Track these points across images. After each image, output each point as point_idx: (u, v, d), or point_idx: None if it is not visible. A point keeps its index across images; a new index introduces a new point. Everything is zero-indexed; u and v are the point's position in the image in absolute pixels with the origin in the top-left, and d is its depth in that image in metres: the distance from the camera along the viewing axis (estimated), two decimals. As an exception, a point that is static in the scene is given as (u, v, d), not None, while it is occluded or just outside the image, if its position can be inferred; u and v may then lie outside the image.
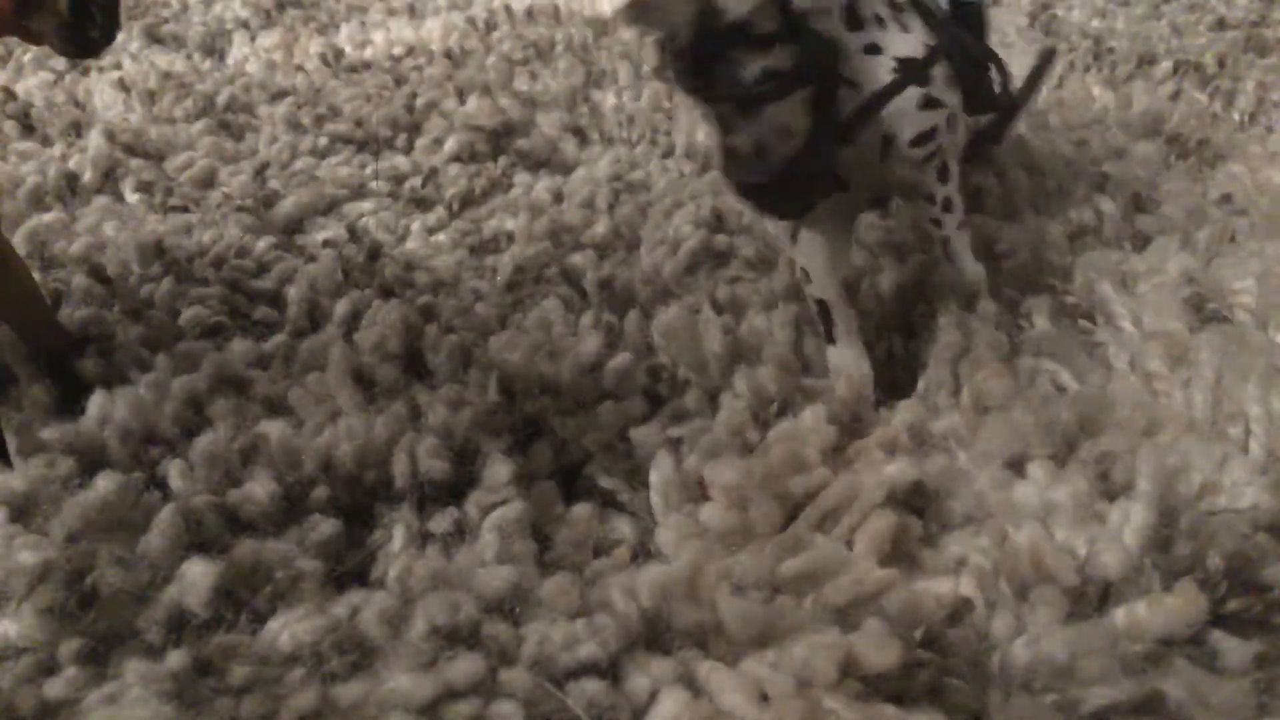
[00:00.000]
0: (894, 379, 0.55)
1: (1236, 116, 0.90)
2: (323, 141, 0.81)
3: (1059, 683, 0.37)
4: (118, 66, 0.97)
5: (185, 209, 0.70)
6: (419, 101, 0.89)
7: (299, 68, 0.99)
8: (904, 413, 0.51)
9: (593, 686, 0.37)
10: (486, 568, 0.42)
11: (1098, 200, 0.71)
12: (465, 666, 0.37)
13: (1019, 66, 1.02)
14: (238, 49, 1.05)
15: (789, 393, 0.51)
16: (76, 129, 0.81)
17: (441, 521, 0.45)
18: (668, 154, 0.83)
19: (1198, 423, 0.50)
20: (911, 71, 0.48)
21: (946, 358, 0.54)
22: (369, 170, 0.78)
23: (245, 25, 1.12)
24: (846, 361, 0.52)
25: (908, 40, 0.49)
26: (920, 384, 0.54)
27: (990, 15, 1.20)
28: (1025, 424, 0.48)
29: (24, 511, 0.43)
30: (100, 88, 0.90)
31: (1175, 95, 0.94)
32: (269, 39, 1.06)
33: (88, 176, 0.72)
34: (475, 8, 1.20)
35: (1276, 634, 0.40)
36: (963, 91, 0.53)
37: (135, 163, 0.75)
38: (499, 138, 0.84)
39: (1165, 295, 0.58)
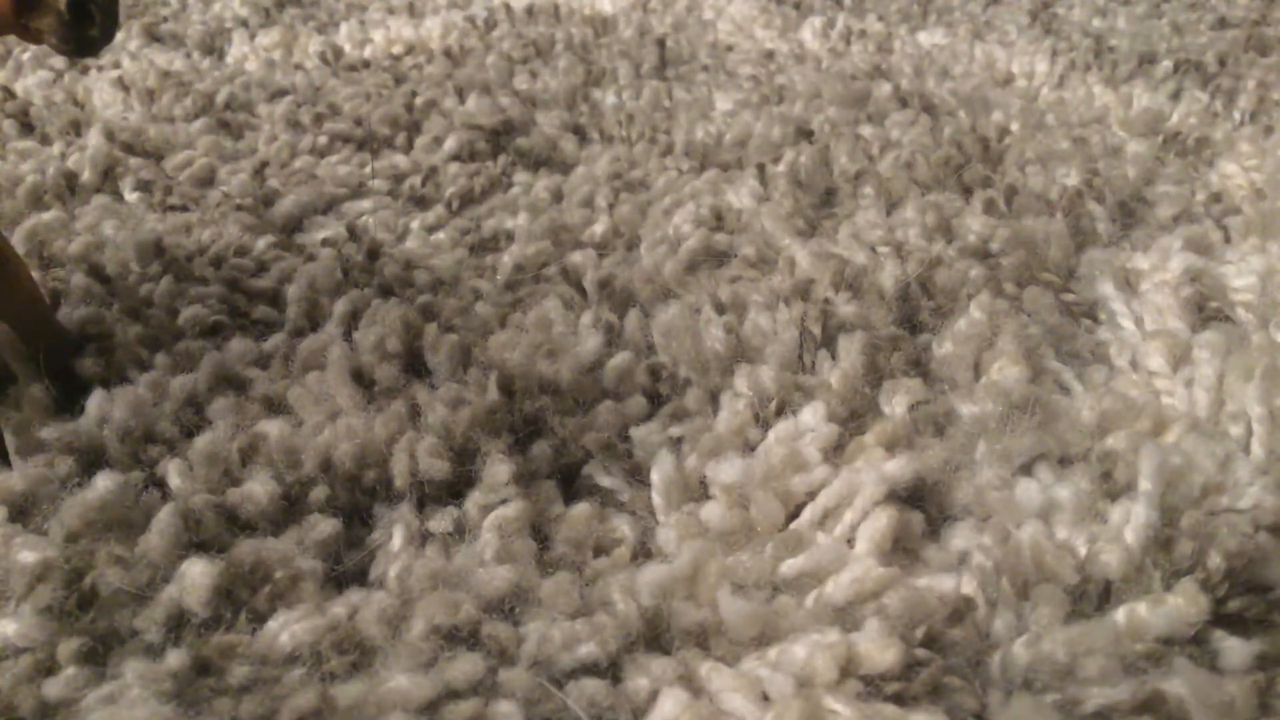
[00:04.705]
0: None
1: (1237, 115, 0.90)
2: (322, 140, 0.81)
3: (1060, 682, 0.37)
4: (117, 65, 0.97)
5: (184, 208, 0.70)
6: (418, 100, 0.88)
7: (298, 66, 0.99)
8: (905, 393, 0.51)
9: (593, 686, 0.37)
10: (486, 567, 0.42)
11: (1090, 200, 0.71)
12: (465, 666, 0.37)
13: (1020, 65, 1.03)
14: (237, 47, 1.05)
15: (789, 391, 0.51)
16: (75, 128, 0.81)
17: (441, 521, 0.45)
18: (667, 152, 0.83)
19: (1200, 422, 0.50)
20: None
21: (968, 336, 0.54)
22: (368, 169, 0.77)
23: (244, 24, 1.12)
24: None
25: None
26: (935, 353, 0.54)
27: (991, 13, 1.21)
28: (1042, 424, 0.48)
29: (23, 511, 0.43)
30: (99, 86, 0.90)
31: (1176, 94, 0.94)
32: (268, 37, 1.06)
33: (87, 175, 0.72)
34: (475, 6, 1.19)
35: (1277, 634, 0.40)
36: None
37: (134, 161, 0.74)
38: (498, 136, 0.84)
39: (1167, 294, 0.58)
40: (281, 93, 0.91)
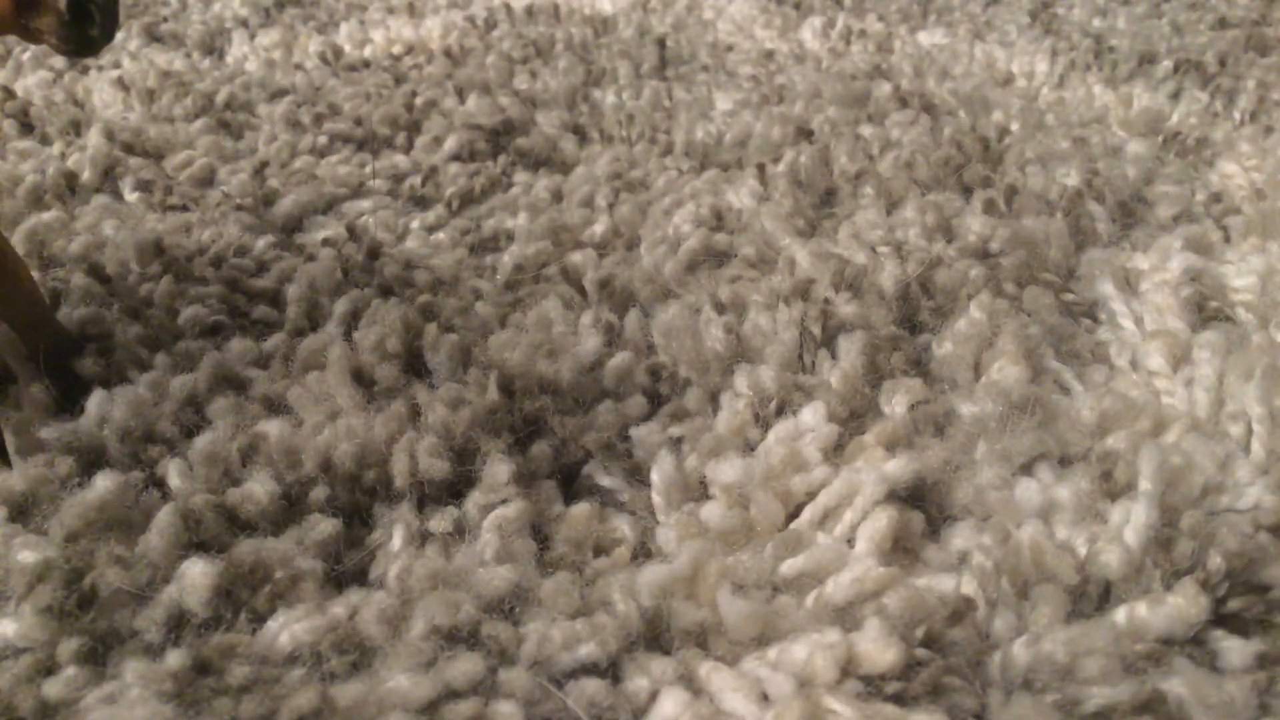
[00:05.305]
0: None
1: (1237, 115, 0.90)
2: (322, 140, 0.81)
3: (1060, 682, 0.37)
4: (117, 65, 0.97)
5: (184, 208, 0.70)
6: (418, 100, 0.88)
7: (298, 66, 0.99)
8: (905, 393, 0.51)
9: (593, 686, 0.37)
10: (486, 567, 0.42)
11: (1090, 200, 0.71)
12: (465, 666, 0.37)
13: (1020, 65, 1.03)
14: (237, 47, 1.05)
15: (789, 391, 0.51)
16: (75, 127, 0.81)
17: (441, 521, 0.45)
18: (667, 152, 0.83)
19: (1200, 422, 0.50)
20: None
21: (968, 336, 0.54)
22: (368, 169, 0.77)
23: (244, 24, 1.12)
24: None
25: None
26: (935, 353, 0.54)
27: (991, 13, 1.21)
28: (1042, 424, 0.48)
29: (23, 511, 0.43)
30: (99, 86, 0.90)
31: (1176, 94, 0.94)
32: (268, 37, 1.06)
33: (87, 175, 0.72)
34: (475, 6, 1.19)
35: (1277, 634, 0.40)
36: None
37: (134, 161, 0.74)
38: (498, 136, 0.84)
39: (1167, 294, 0.58)
40: (281, 93, 0.91)
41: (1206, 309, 0.59)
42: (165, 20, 1.12)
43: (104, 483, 0.43)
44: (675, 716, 0.36)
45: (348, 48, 1.06)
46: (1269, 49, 1.08)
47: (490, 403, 0.49)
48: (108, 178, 0.73)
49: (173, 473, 0.45)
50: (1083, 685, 0.37)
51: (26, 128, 0.81)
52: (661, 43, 1.07)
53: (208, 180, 0.74)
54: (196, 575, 0.39)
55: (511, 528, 0.44)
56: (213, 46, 1.06)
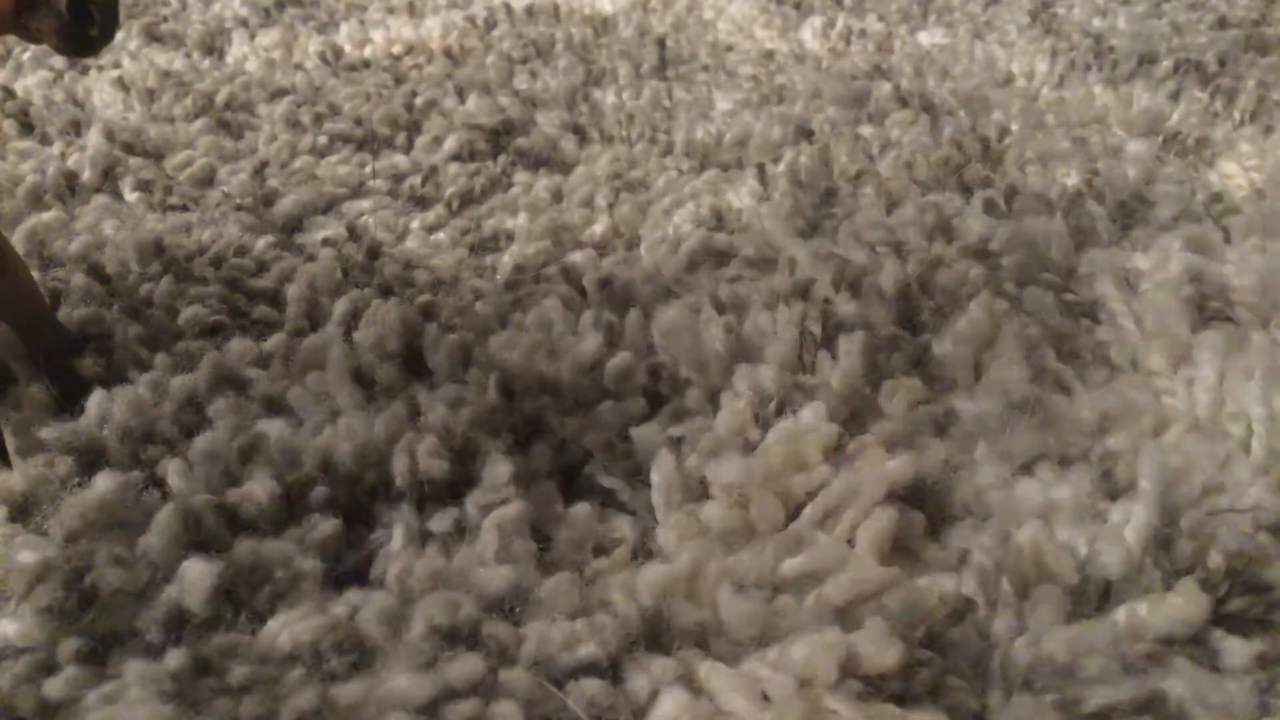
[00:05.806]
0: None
1: (1237, 115, 0.90)
2: (322, 140, 0.81)
3: (1060, 682, 0.37)
4: (117, 65, 0.97)
5: (184, 208, 0.70)
6: (418, 100, 0.88)
7: (298, 66, 0.99)
8: (905, 392, 0.51)
9: (593, 686, 0.37)
10: (486, 567, 0.42)
11: (1090, 200, 0.71)
12: (465, 666, 0.37)
13: (1020, 65, 1.03)
14: (237, 47, 1.05)
15: (789, 391, 0.51)
16: (75, 127, 0.81)
17: (441, 521, 0.45)
18: (667, 152, 0.83)
19: (1200, 422, 0.50)
20: None
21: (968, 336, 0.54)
22: (368, 169, 0.78)
23: (244, 24, 1.12)
24: None
25: None
26: (935, 353, 0.54)
27: (991, 13, 1.21)
28: (1042, 424, 0.48)
29: (23, 511, 0.43)
30: (99, 86, 0.90)
31: (1176, 94, 0.94)
32: (268, 37, 1.06)
33: (87, 175, 0.72)
34: (475, 6, 1.19)
35: (1278, 634, 0.40)
36: None
37: (134, 161, 0.74)
38: (499, 136, 0.84)
39: (1167, 294, 0.58)
40: (281, 93, 0.91)
41: (1206, 309, 0.59)
42: (165, 20, 1.12)
43: (104, 483, 0.43)
44: (675, 716, 0.36)
45: (348, 48, 1.06)
46: (1269, 49, 1.08)
47: (490, 403, 0.49)
48: (108, 178, 0.73)
49: (173, 473, 0.45)
50: (1083, 685, 0.37)
51: (26, 128, 0.81)
52: (661, 43, 1.07)
53: (208, 180, 0.74)
54: (196, 575, 0.39)
55: (511, 528, 0.44)
56: (213, 46, 1.06)
